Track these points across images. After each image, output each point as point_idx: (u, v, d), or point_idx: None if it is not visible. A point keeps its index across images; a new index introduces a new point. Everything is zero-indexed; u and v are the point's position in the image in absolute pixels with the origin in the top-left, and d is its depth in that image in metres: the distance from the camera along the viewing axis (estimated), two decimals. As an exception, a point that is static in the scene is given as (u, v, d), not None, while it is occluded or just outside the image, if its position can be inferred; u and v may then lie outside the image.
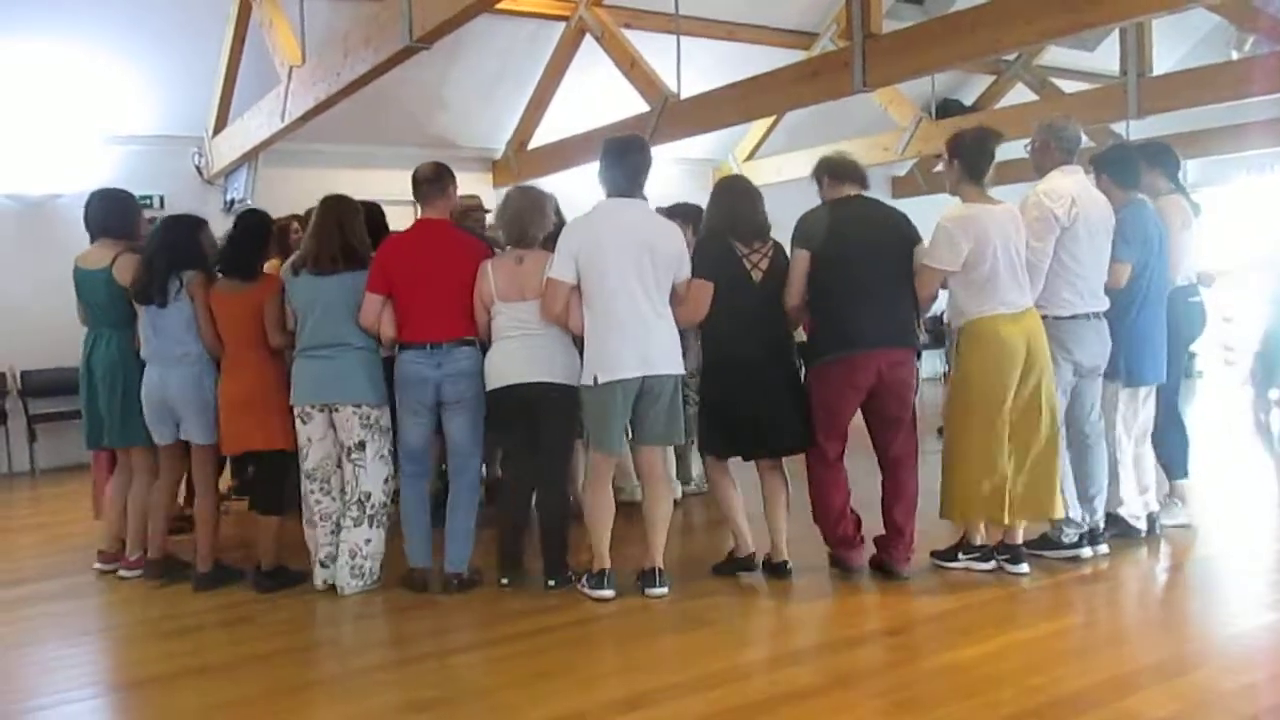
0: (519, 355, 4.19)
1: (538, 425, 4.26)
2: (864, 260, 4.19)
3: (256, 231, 4.63)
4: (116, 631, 4.23)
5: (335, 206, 4.43)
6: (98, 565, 4.94)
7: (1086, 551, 4.50)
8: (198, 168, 8.84)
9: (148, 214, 6.45)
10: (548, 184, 6.56)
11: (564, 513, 4.43)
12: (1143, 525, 4.80)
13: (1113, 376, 4.66)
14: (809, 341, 4.41)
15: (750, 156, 11.34)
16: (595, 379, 4.05)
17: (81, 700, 3.46)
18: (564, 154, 9.02)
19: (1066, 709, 3.02)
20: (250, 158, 7.97)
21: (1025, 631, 3.77)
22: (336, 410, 4.32)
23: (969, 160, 4.30)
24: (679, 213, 5.83)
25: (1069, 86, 10.44)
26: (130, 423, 4.68)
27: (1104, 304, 4.50)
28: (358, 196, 4.58)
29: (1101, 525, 4.61)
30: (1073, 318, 4.41)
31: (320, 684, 3.47)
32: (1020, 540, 4.39)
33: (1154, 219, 4.70)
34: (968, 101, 11.61)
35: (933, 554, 4.50)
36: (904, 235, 4.33)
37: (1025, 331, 4.22)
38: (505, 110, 9.86)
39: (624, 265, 4.04)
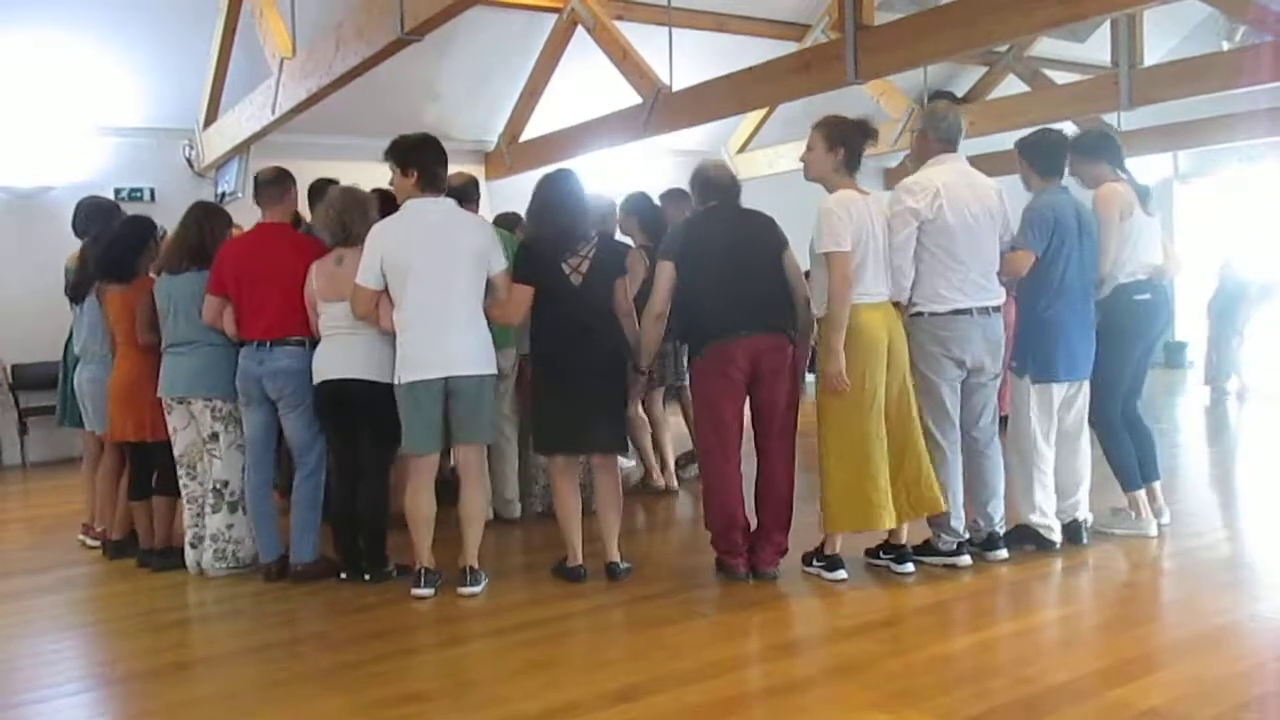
0: (336, 353, 4.29)
1: (355, 421, 4.35)
2: (728, 256, 4.15)
3: (129, 234, 4.86)
4: (107, 625, 4.22)
5: (193, 210, 4.70)
6: (80, 537, 5.36)
7: (964, 559, 4.28)
8: (188, 160, 8.83)
9: (139, 208, 6.48)
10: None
11: (382, 507, 4.47)
12: (1056, 536, 4.47)
13: (1020, 371, 4.47)
14: (687, 346, 4.29)
15: (743, 148, 11.33)
16: (399, 379, 4.12)
17: (71, 694, 3.45)
18: (557, 146, 9.01)
19: (1058, 699, 3.03)
20: (241, 150, 7.95)
21: (1015, 623, 3.79)
22: (191, 403, 4.49)
23: (854, 149, 4.16)
24: (674, 197, 5.86)
25: (1060, 77, 10.44)
26: (77, 407, 5.20)
27: (994, 298, 4.28)
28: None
29: (1000, 532, 4.39)
30: (954, 314, 4.19)
31: (313, 677, 3.45)
32: (905, 539, 4.29)
33: (1075, 208, 4.44)
34: (960, 93, 11.60)
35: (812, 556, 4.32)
36: (771, 235, 4.28)
37: (885, 321, 4.12)
38: (498, 102, 9.84)
39: (427, 266, 4.07)
